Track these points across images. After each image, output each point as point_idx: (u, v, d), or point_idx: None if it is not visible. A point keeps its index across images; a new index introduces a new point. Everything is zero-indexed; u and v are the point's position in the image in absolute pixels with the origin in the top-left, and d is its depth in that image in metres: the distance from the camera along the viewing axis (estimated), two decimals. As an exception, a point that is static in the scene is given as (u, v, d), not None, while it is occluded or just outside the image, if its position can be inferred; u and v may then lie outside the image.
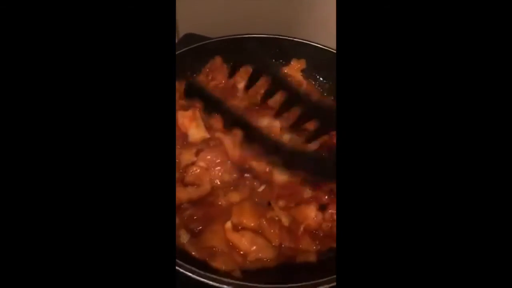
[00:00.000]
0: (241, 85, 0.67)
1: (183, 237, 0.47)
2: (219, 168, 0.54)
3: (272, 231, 0.47)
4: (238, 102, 0.64)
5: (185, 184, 0.53)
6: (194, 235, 0.47)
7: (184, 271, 0.39)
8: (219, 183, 0.54)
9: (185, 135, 0.58)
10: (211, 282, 0.39)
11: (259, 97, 0.64)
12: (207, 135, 0.57)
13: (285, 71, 0.69)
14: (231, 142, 0.56)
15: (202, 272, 0.39)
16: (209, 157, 0.54)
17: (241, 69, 0.68)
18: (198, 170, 0.54)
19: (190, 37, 0.83)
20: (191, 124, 0.58)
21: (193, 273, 0.39)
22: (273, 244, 0.47)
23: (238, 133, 0.57)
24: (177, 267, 0.39)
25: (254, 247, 0.47)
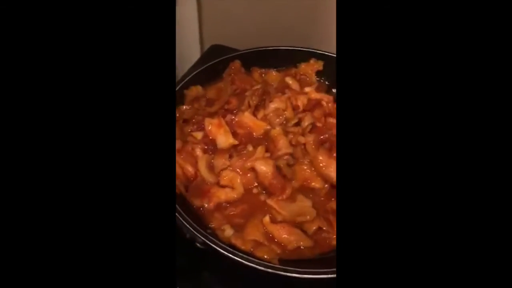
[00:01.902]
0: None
1: (228, 232, 0.53)
2: (250, 174, 0.59)
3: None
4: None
5: (221, 186, 0.59)
6: (238, 229, 0.53)
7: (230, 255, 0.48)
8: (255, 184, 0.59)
9: (213, 141, 0.64)
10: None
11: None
12: (235, 142, 0.62)
13: (302, 66, 0.74)
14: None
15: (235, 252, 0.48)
16: (239, 163, 0.60)
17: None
18: (231, 174, 0.59)
19: (216, 48, 0.90)
20: (218, 131, 0.64)
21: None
22: (310, 232, 0.53)
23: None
24: (225, 252, 0.48)
25: (293, 237, 0.52)
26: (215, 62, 0.73)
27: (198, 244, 0.50)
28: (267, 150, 0.61)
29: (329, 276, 0.46)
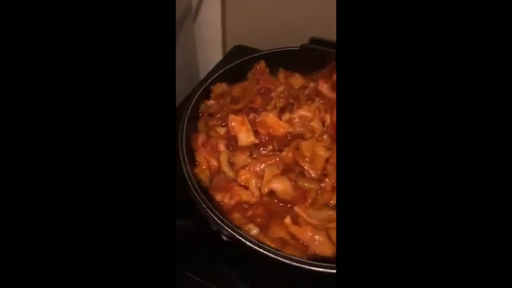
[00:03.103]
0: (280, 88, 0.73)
1: (253, 231, 0.54)
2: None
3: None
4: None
5: (239, 184, 0.60)
6: (263, 228, 0.54)
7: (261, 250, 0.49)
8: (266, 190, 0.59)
9: (235, 138, 0.65)
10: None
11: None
12: (255, 141, 0.64)
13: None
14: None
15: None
16: (255, 167, 0.60)
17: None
18: (248, 175, 0.60)
19: (239, 49, 0.92)
20: (240, 128, 0.65)
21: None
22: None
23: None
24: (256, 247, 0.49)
25: (316, 242, 0.53)
26: (240, 61, 0.74)
27: (224, 237, 0.51)
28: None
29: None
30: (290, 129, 0.65)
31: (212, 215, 0.51)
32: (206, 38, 1.02)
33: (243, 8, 0.94)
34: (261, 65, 0.75)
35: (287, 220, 0.55)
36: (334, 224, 0.55)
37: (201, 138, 0.64)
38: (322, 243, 0.54)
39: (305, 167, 0.61)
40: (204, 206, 0.52)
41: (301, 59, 0.75)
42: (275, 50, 0.77)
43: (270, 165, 0.60)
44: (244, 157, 0.62)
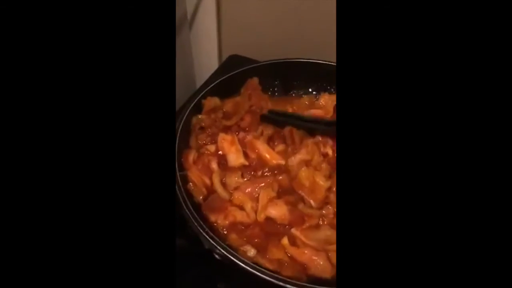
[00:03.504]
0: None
1: (251, 252, 0.50)
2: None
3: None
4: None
5: (233, 205, 0.57)
6: (261, 249, 0.51)
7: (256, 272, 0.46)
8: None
9: (225, 157, 0.62)
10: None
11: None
12: (245, 162, 0.61)
13: (325, 96, 0.73)
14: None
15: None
16: (250, 189, 0.57)
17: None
18: (242, 197, 0.57)
19: (235, 59, 0.90)
20: (230, 148, 0.62)
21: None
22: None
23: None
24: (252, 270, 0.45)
25: (315, 264, 0.50)
26: (232, 74, 0.71)
27: (216, 256, 0.48)
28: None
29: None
30: (283, 162, 0.62)
31: (204, 233, 0.48)
32: (202, 47, 1.01)
33: (239, 18, 0.93)
34: (254, 81, 0.73)
35: (285, 241, 0.52)
36: (333, 247, 0.52)
37: (192, 156, 0.61)
38: (322, 265, 0.51)
39: (305, 197, 0.58)
40: (196, 224, 0.49)
41: (299, 72, 0.74)
42: (270, 62, 0.74)
43: (265, 186, 0.57)
44: (236, 178, 0.59)
